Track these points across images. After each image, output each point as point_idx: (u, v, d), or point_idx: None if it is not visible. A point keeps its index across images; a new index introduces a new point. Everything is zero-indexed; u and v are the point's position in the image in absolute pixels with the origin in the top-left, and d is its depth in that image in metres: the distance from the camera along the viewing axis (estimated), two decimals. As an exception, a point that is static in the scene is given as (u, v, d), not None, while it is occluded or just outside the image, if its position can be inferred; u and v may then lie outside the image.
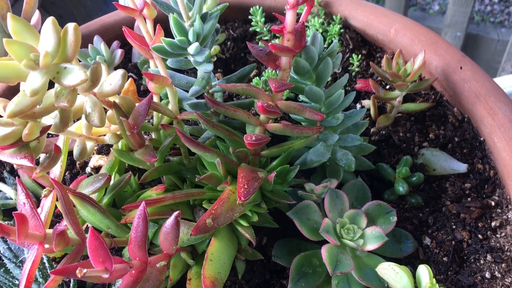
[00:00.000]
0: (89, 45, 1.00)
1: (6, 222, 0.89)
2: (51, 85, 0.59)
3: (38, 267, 0.76)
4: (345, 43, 1.17)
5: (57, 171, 0.78)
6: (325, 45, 1.16)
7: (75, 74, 0.57)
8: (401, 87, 0.94)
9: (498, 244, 0.84)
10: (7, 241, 0.80)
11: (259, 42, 1.19)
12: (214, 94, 0.87)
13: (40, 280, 0.76)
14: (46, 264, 0.76)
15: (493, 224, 0.86)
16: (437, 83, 1.05)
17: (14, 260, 0.77)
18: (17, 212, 0.57)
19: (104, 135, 0.85)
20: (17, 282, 0.77)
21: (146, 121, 0.85)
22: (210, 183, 0.75)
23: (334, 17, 1.19)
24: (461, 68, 0.99)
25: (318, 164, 0.86)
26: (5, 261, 0.78)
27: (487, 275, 0.80)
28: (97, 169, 0.97)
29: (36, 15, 0.75)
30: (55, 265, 0.80)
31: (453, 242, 0.84)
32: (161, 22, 0.82)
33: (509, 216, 0.87)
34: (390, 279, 0.68)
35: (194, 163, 0.84)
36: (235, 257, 0.76)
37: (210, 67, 0.72)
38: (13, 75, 0.59)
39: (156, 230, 0.75)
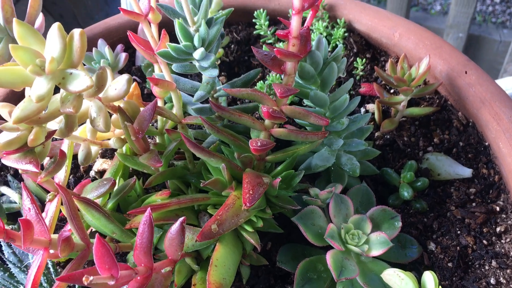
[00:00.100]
0: (94, 49, 1.00)
1: (10, 226, 0.89)
2: (56, 90, 0.59)
3: (43, 272, 0.76)
4: (349, 47, 1.17)
5: (61, 175, 0.78)
6: (329, 49, 1.16)
7: (80, 80, 0.57)
8: (406, 92, 0.94)
9: (503, 250, 0.84)
10: (11, 245, 0.80)
11: (263, 46, 1.19)
12: (218, 98, 0.87)
13: (45, 285, 0.76)
14: (51, 269, 0.76)
15: (498, 229, 0.86)
16: (442, 87, 1.05)
17: (19, 265, 0.77)
18: (22, 218, 0.57)
19: (109, 139, 0.85)
20: (21, 287, 0.77)
21: (150, 125, 0.85)
22: (215, 188, 0.75)
23: (338, 20, 1.18)
24: (466, 72, 0.98)
25: (323, 169, 0.86)
26: (10, 265, 0.78)
27: (492, 281, 0.80)
28: (101, 172, 0.97)
29: (40, 18, 0.75)
30: (59, 269, 0.80)
31: (458, 247, 0.84)
32: (165, 24, 0.82)
33: (514, 222, 0.86)
34: (396, 285, 0.68)
35: (199, 167, 0.83)
36: (240, 262, 0.76)
37: (215, 72, 0.72)
38: (19, 80, 0.59)
39: (161, 235, 0.75)
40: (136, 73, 1.20)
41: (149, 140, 0.97)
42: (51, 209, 0.75)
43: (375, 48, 1.19)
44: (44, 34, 0.59)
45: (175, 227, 0.60)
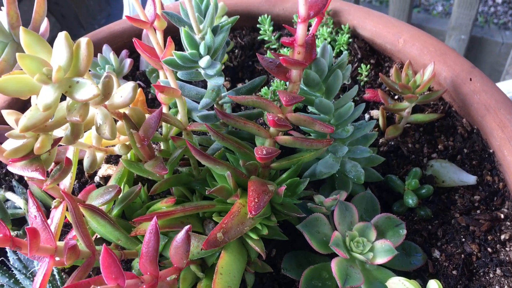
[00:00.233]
0: (99, 54, 1.01)
1: (16, 232, 0.89)
2: (62, 97, 0.59)
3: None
4: (353, 52, 1.17)
5: (67, 182, 0.78)
6: (333, 55, 1.16)
7: (87, 89, 0.57)
8: (410, 99, 0.94)
9: (507, 258, 0.83)
10: (16, 252, 0.80)
11: (268, 51, 1.19)
12: (223, 105, 0.87)
13: (50, 291, 0.76)
14: (56, 276, 0.76)
15: (502, 237, 0.86)
16: (446, 94, 1.05)
17: (24, 271, 0.77)
18: (29, 227, 0.57)
19: (114, 145, 0.85)
20: (26, 293, 0.77)
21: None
22: (220, 196, 0.75)
23: (342, 26, 1.19)
24: (470, 79, 0.98)
25: (327, 176, 0.86)
26: (15, 272, 0.78)
27: (497, 289, 0.80)
28: (105, 178, 0.97)
29: (45, 23, 0.75)
30: (64, 276, 0.80)
31: (462, 255, 0.84)
32: (168, 29, 0.82)
33: (519, 229, 0.86)
34: (401, 294, 0.68)
35: (204, 174, 0.83)
36: (245, 269, 0.76)
37: (221, 80, 0.72)
38: (26, 89, 0.59)
39: (166, 243, 0.75)
40: (140, 78, 1.21)
41: (154, 146, 0.97)
42: (57, 216, 0.75)
43: (380, 54, 1.19)
44: (45, 35, 0.59)
45: (180, 235, 0.60)
